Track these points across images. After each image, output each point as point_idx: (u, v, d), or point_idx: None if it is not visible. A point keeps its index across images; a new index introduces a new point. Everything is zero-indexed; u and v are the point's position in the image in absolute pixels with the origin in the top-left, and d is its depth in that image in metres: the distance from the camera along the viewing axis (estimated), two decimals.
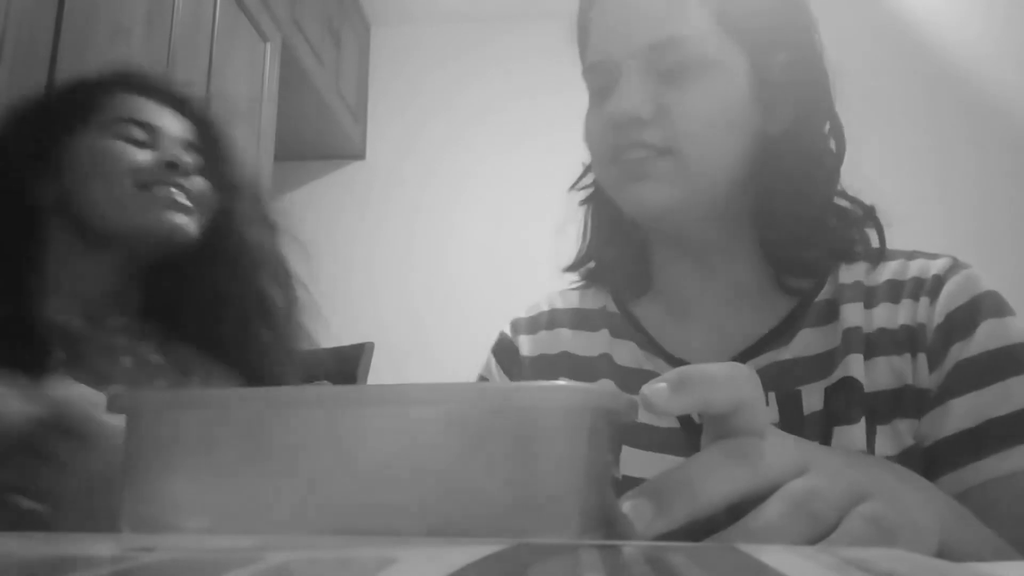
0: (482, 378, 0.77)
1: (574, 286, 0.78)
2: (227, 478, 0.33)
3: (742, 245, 0.66)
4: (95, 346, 0.82)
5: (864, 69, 3.04)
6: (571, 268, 0.76)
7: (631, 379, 0.66)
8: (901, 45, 3.11)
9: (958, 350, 0.58)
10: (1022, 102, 3.00)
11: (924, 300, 0.61)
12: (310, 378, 1.09)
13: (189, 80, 1.80)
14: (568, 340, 0.72)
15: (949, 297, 0.60)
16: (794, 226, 0.64)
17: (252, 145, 2.17)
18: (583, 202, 0.75)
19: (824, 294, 0.65)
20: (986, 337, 0.58)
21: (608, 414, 0.33)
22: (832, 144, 0.66)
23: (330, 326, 3.16)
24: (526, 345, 0.74)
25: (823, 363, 0.61)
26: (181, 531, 0.33)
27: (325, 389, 0.33)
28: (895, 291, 0.63)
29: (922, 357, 0.59)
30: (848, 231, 0.65)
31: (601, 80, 0.63)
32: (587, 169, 0.74)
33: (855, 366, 0.59)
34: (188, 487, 0.34)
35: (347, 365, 1.74)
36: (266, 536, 0.29)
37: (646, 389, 0.32)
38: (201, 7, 1.88)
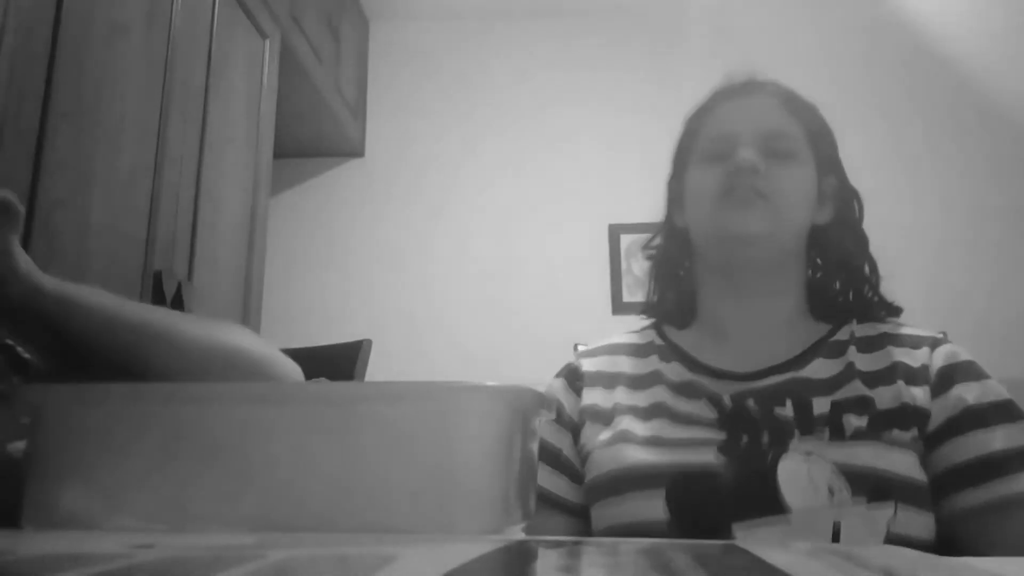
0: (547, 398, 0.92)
1: (626, 332, 0.97)
2: (140, 475, 0.33)
3: (782, 292, 0.88)
4: None
5: (865, 69, 3.04)
6: (645, 311, 0.98)
7: (681, 390, 0.83)
8: (902, 44, 3.11)
9: (961, 390, 0.76)
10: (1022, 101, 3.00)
11: (925, 350, 0.81)
12: (308, 375, 1.09)
13: (186, 77, 1.80)
14: (624, 363, 0.91)
15: (950, 353, 0.80)
16: (837, 281, 0.90)
17: (251, 142, 2.17)
18: (651, 258, 0.98)
19: (840, 335, 0.85)
20: (984, 391, 0.77)
21: (524, 411, 0.33)
22: (862, 245, 0.90)
23: (328, 323, 3.17)
24: (587, 364, 0.93)
25: (830, 384, 0.79)
26: (86, 528, 0.32)
27: (243, 385, 0.32)
28: (894, 342, 0.82)
29: (925, 389, 0.77)
30: (874, 304, 0.88)
31: (719, 148, 0.86)
32: (656, 233, 0.98)
33: (863, 389, 0.77)
34: (97, 484, 0.33)
35: (344, 362, 1.74)
36: (266, 534, 0.29)
37: None
38: (200, 4, 1.87)
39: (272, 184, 2.33)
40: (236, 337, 0.86)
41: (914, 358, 0.80)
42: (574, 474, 0.86)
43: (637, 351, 0.92)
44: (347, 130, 3.06)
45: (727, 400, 0.80)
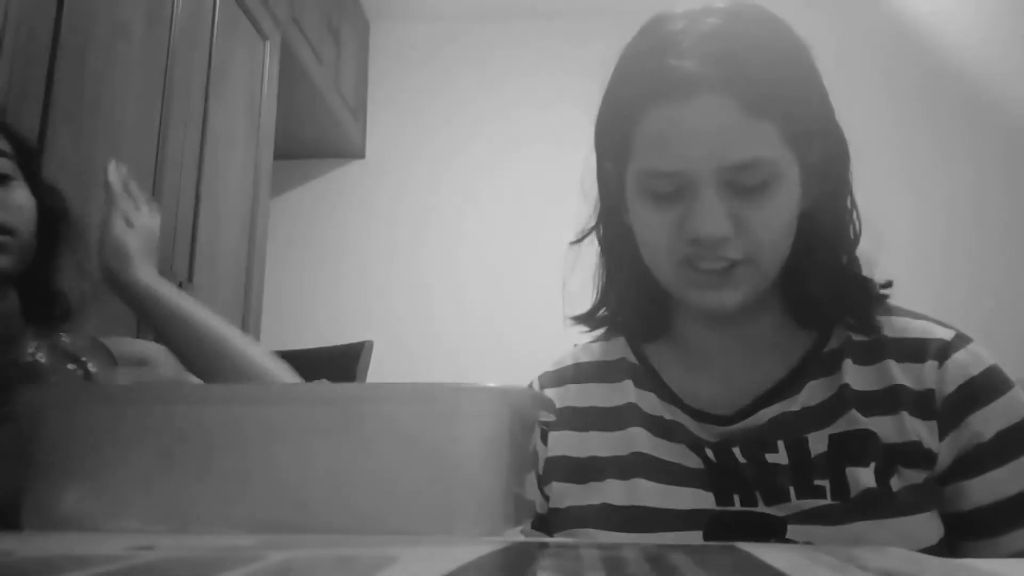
0: None
1: (594, 340, 0.82)
2: (140, 476, 0.32)
3: (764, 309, 0.72)
4: None
5: (868, 71, 3.04)
6: (584, 319, 0.80)
7: (654, 425, 0.71)
8: (906, 46, 3.11)
9: (975, 422, 0.63)
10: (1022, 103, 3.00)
11: (930, 364, 0.66)
12: (309, 376, 1.10)
13: (187, 79, 1.80)
14: (595, 394, 0.76)
15: (960, 368, 0.65)
16: (817, 285, 0.70)
17: (252, 144, 2.17)
18: (600, 255, 0.79)
19: (831, 344, 0.70)
20: (1006, 411, 0.64)
21: (524, 411, 0.33)
22: (853, 221, 0.71)
23: (329, 324, 3.17)
24: (554, 396, 0.78)
25: (826, 412, 0.66)
26: (86, 530, 0.32)
27: (244, 386, 0.33)
28: (895, 350, 0.68)
29: (931, 425, 0.64)
30: (864, 296, 0.70)
31: (668, 186, 0.64)
32: (598, 222, 0.78)
33: (861, 420, 0.65)
34: (97, 485, 0.33)
35: (346, 363, 1.74)
36: (267, 535, 0.29)
37: None
38: (201, 6, 1.88)
39: (272, 185, 2.33)
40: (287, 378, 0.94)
41: (918, 378, 0.65)
42: (550, 530, 0.75)
43: (608, 372, 0.77)
44: (347, 131, 3.06)
45: (710, 453, 0.68)
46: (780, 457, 0.65)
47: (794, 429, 0.66)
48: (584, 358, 0.80)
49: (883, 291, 0.71)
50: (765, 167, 0.62)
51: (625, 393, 0.75)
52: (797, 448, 0.66)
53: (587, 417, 0.75)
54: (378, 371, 1.89)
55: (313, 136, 3.03)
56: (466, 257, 3.09)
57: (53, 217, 0.92)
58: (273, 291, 2.58)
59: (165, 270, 1.66)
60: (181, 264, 1.76)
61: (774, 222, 0.64)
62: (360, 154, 3.23)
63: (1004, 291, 2.81)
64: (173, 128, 1.72)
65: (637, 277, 0.74)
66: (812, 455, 0.65)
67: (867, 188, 0.78)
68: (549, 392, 0.78)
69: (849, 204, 0.71)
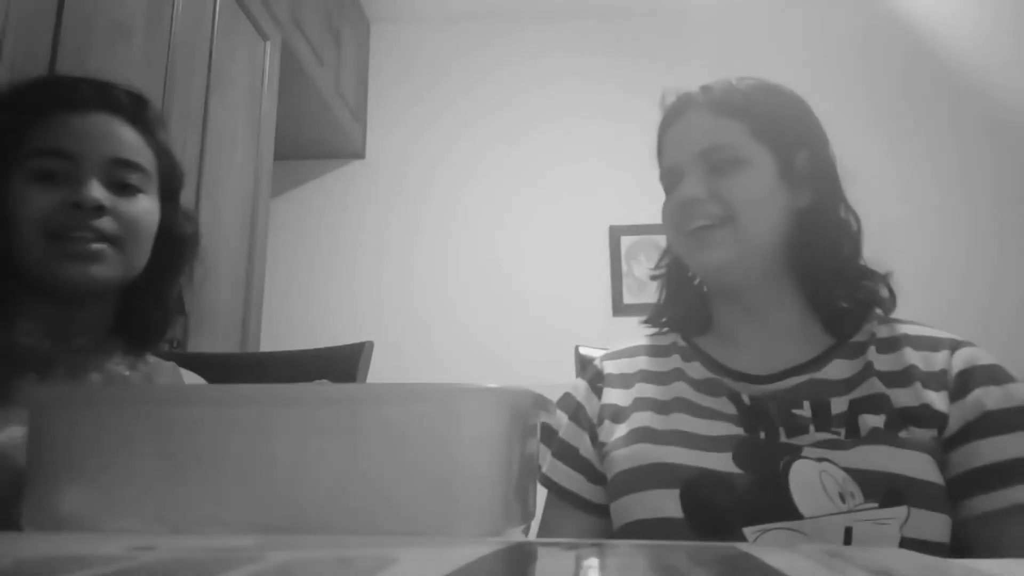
0: (568, 396, 0.96)
1: (650, 332, 0.99)
2: (140, 476, 0.32)
3: (784, 299, 0.88)
4: (62, 364, 0.81)
5: (865, 69, 3.04)
6: (649, 320, 0.99)
7: (701, 386, 0.85)
8: (902, 44, 3.11)
9: (980, 394, 0.76)
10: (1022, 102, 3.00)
11: (944, 353, 0.80)
12: (309, 377, 1.10)
13: (187, 79, 1.80)
14: (644, 363, 0.93)
15: (971, 356, 0.79)
16: (826, 279, 0.85)
17: (252, 144, 2.17)
18: (655, 277, 1.00)
19: (859, 337, 0.84)
20: (1006, 395, 0.76)
21: (524, 412, 0.33)
22: (851, 217, 0.87)
23: (328, 325, 3.16)
24: (609, 366, 0.95)
25: (848, 384, 0.80)
26: (87, 530, 0.32)
27: (244, 387, 0.32)
28: (913, 343, 0.82)
29: (943, 394, 0.77)
30: (872, 287, 0.86)
31: (672, 179, 0.89)
32: (665, 252, 0.99)
33: (879, 386, 0.78)
34: (97, 485, 0.33)
35: (346, 364, 1.74)
36: (267, 535, 0.29)
37: None
38: (201, 6, 1.88)
39: (273, 186, 2.33)
40: None
41: (932, 362, 0.79)
42: (591, 473, 0.88)
43: (658, 351, 0.94)
44: (348, 132, 3.06)
45: (745, 399, 0.81)
46: (805, 412, 0.79)
47: (819, 393, 0.80)
48: (640, 342, 0.98)
49: (884, 289, 0.86)
50: (729, 149, 0.84)
51: (672, 363, 0.91)
52: (820, 406, 0.78)
53: (636, 377, 0.91)
54: (378, 372, 1.88)
55: (313, 136, 3.03)
56: (466, 257, 3.09)
57: (176, 240, 0.92)
58: (273, 291, 2.58)
59: None
60: None
61: (744, 191, 0.83)
62: (360, 154, 3.23)
63: (998, 292, 2.81)
64: (173, 128, 1.72)
65: (685, 284, 0.95)
66: (833, 413, 0.77)
67: (860, 197, 0.85)
68: (607, 364, 0.95)
69: (843, 212, 0.87)
